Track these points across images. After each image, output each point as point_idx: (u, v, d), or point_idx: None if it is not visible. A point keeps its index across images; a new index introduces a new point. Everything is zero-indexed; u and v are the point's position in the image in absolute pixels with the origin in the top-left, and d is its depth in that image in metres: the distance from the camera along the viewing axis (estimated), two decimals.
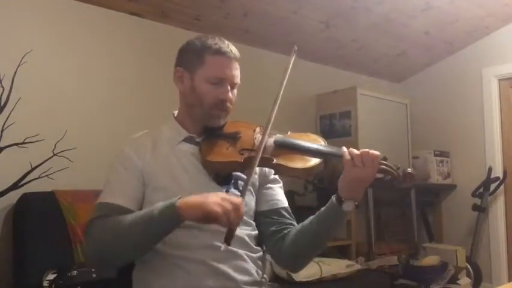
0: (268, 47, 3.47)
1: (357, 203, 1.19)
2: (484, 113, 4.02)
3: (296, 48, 1.34)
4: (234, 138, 1.30)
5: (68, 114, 2.55)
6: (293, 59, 1.32)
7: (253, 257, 1.29)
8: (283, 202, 1.39)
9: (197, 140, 1.31)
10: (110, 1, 2.69)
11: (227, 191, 1.26)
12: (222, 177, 1.28)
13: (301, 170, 1.21)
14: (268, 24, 3.22)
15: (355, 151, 1.16)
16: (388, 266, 3.42)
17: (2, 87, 2.26)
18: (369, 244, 3.53)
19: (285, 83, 1.29)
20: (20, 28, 2.43)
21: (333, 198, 1.21)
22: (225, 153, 1.26)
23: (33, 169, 2.30)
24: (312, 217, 1.27)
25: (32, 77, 2.39)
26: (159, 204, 1.10)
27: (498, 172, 3.88)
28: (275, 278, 2.66)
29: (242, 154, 1.24)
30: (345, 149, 1.18)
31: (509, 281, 3.72)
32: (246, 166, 1.22)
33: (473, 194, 3.85)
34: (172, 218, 1.07)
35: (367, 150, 1.15)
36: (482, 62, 4.03)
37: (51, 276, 1.96)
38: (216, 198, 1.05)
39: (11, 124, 2.26)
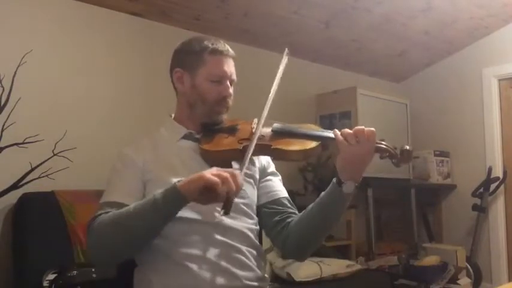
0: (268, 47, 3.46)
1: (357, 184, 1.18)
2: (484, 113, 4.02)
3: (287, 51, 1.36)
4: (232, 130, 1.34)
5: (68, 114, 2.55)
6: (285, 60, 1.35)
7: (254, 254, 1.29)
8: (283, 192, 1.40)
9: (196, 136, 1.34)
10: (110, 1, 2.69)
11: None
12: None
13: (299, 152, 1.23)
14: (268, 24, 3.22)
15: (348, 130, 1.16)
16: (388, 266, 3.43)
17: (2, 87, 2.26)
18: (369, 244, 3.53)
19: (278, 77, 1.33)
20: (20, 28, 2.43)
21: (334, 180, 1.20)
22: (224, 143, 1.30)
23: (33, 169, 2.30)
24: (314, 202, 1.27)
25: (32, 77, 2.39)
26: (159, 191, 1.11)
27: (498, 172, 3.87)
28: (275, 278, 2.66)
29: (241, 143, 1.27)
30: (337, 130, 1.19)
31: (509, 281, 3.73)
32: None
33: (473, 194, 3.84)
34: (176, 199, 1.08)
35: (361, 127, 1.15)
36: (482, 62, 4.03)
37: (51, 276, 1.96)
38: (213, 170, 1.06)
39: (11, 124, 2.26)
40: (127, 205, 1.17)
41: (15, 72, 2.28)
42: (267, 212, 1.35)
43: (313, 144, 1.23)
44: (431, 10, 3.35)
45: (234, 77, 1.36)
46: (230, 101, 1.35)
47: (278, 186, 1.41)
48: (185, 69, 1.34)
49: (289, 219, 1.32)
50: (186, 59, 1.34)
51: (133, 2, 2.72)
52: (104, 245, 1.14)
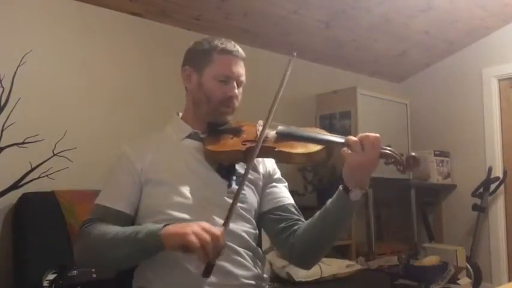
0: (268, 47, 3.47)
1: (364, 191, 1.15)
2: (484, 113, 4.02)
3: (295, 54, 1.33)
4: (237, 131, 1.34)
5: (67, 114, 2.54)
6: (291, 65, 1.32)
7: (250, 255, 1.29)
8: (289, 199, 1.39)
9: (201, 136, 1.34)
10: (110, 1, 2.69)
11: (229, 186, 1.28)
12: (225, 170, 1.30)
13: (303, 155, 1.21)
14: (268, 24, 3.22)
15: (353, 137, 1.13)
16: (388, 266, 3.43)
17: (2, 87, 2.26)
18: (369, 244, 3.53)
19: (285, 82, 1.30)
20: (20, 28, 2.43)
21: (340, 188, 1.18)
22: (227, 144, 1.29)
23: (33, 169, 2.30)
24: (321, 210, 1.26)
25: (32, 77, 2.39)
26: (145, 228, 1.11)
27: (498, 172, 3.87)
28: (275, 278, 2.66)
29: (245, 145, 1.26)
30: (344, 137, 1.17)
31: (509, 281, 3.72)
32: (248, 155, 1.24)
33: (473, 194, 3.84)
34: (155, 246, 1.08)
35: (366, 134, 1.12)
36: (482, 62, 4.03)
37: (51, 276, 1.97)
38: (196, 228, 1.03)
39: (11, 124, 2.27)
40: (120, 211, 1.23)
41: (15, 72, 2.28)
42: (272, 218, 1.34)
43: (317, 147, 1.20)
44: (432, 10, 3.35)
45: (243, 78, 1.34)
46: (236, 102, 1.34)
47: (284, 193, 1.39)
48: (194, 67, 1.34)
49: (296, 227, 1.30)
50: (195, 57, 1.34)
51: (133, 2, 2.72)
52: (86, 260, 1.22)
